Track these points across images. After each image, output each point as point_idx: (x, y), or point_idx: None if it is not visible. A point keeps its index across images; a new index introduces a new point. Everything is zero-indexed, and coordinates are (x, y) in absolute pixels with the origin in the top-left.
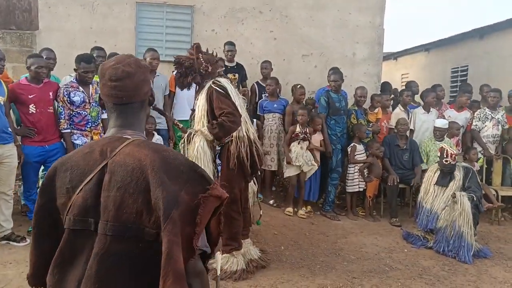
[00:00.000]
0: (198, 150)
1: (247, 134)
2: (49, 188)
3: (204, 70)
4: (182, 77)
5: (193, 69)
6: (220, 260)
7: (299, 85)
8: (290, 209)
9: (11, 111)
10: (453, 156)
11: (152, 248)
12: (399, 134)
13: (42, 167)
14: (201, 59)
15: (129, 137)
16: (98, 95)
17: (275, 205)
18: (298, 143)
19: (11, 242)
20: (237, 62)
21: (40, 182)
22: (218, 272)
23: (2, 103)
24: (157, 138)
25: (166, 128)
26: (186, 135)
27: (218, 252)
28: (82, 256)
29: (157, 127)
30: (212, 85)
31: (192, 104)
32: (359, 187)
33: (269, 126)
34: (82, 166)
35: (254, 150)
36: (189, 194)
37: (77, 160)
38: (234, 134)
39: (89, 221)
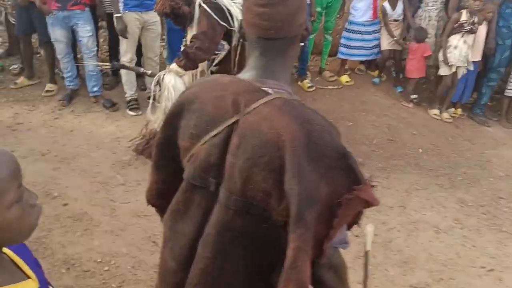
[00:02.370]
0: (169, 91)
1: None
2: (174, 123)
3: None
4: (177, 19)
5: (176, 6)
6: (371, 234)
7: None
8: (436, 110)
9: None
10: None
11: (277, 231)
12: None
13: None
14: None
15: (269, 90)
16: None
17: (415, 101)
18: (462, 36)
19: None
20: None
21: None
22: (368, 247)
23: None
24: None
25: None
26: (155, 78)
27: (370, 224)
28: (196, 211)
29: None
30: (202, 4)
31: None
32: None
33: (427, 12)
34: (211, 112)
35: None
36: (330, 186)
37: (206, 102)
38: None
39: (210, 180)
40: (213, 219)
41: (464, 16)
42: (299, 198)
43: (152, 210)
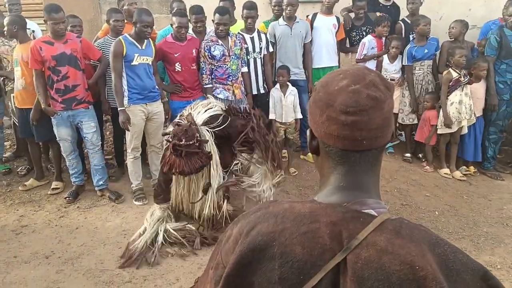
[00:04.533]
0: None
1: None
2: (241, 281)
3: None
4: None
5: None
6: None
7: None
8: (445, 170)
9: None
10: None
11: None
12: None
13: None
14: (182, 142)
15: (373, 212)
16: (238, 52)
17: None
18: (462, 90)
19: None
20: (393, 2)
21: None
22: None
23: (150, 63)
24: (291, 90)
25: (305, 78)
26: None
27: None
28: None
29: (291, 78)
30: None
31: (329, 51)
32: None
33: (414, 76)
34: (300, 255)
35: None
36: None
37: (290, 243)
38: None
39: None
40: None
41: (453, 73)
42: None
43: None
